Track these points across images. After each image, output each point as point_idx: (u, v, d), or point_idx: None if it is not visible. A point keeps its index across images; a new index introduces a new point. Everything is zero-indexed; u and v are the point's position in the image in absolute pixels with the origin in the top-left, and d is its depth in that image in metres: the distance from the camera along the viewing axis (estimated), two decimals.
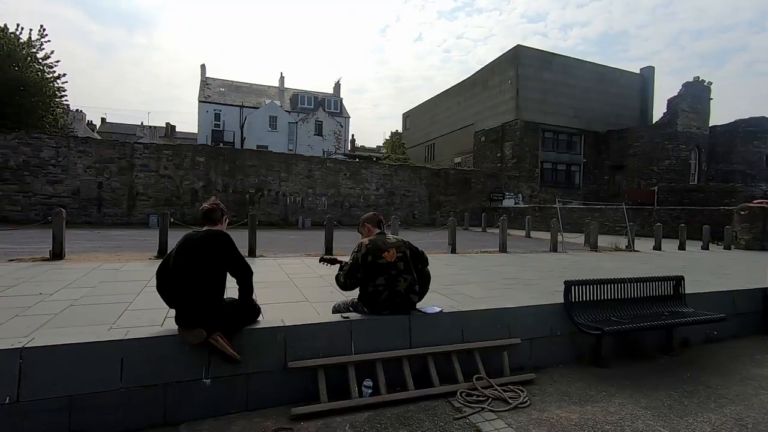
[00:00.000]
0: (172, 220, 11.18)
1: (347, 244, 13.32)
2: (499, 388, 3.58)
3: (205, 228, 3.15)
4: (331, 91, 46.70)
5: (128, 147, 22.89)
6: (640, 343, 4.74)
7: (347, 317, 3.63)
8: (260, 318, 3.46)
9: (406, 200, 28.94)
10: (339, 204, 27.05)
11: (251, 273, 3.19)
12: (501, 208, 29.07)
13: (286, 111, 40.90)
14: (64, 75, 25.36)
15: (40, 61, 24.30)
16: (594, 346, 4.36)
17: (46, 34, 24.47)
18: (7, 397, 2.60)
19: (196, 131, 40.52)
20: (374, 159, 33.49)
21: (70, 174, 21.40)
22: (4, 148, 20.31)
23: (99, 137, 37.22)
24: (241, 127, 39.22)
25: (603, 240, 16.24)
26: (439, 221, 27.23)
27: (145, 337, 2.96)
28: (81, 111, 37.78)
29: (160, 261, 3.47)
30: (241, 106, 39.82)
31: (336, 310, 3.92)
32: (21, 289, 5.50)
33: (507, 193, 30.99)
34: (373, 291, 3.68)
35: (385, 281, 3.67)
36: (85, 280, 6.32)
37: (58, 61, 24.76)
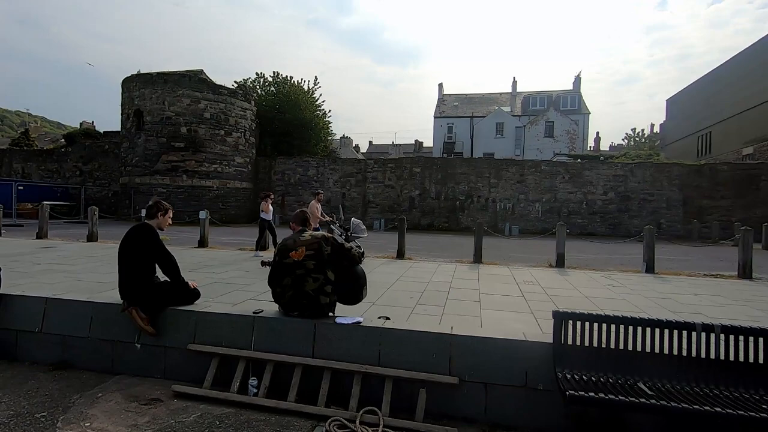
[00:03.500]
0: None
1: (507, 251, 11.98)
2: (382, 430, 2.82)
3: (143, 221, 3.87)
4: (570, 87, 42.39)
5: (362, 163, 27.49)
6: None
7: (258, 312, 3.63)
8: (198, 301, 3.91)
9: (647, 206, 23.32)
10: (555, 210, 24.36)
11: (172, 261, 3.70)
12: None
13: (515, 116, 39.67)
14: (329, 111, 32.84)
15: (315, 103, 32.22)
16: (609, 420, 2.74)
17: (318, 83, 32.35)
18: (36, 327, 3.99)
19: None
20: (601, 158, 28.37)
21: (325, 186, 27.40)
22: (288, 170, 27.95)
23: (362, 157, 45.96)
24: (471, 137, 40.55)
25: None
26: (699, 232, 20.71)
27: (104, 302, 3.91)
28: (349, 137, 47.95)
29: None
30: (471, 117, 41.15)
31: None
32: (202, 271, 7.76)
33: None
34: (280, 291, 3.54)
35: (291, 281, 3.48)
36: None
37: (324, 101, 32.26)
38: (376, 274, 8.03)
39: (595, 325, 2.89)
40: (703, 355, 2.72)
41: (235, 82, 30.64)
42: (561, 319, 2.93)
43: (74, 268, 7.35)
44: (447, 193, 25.79)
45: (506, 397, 3.04)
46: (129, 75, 25.27)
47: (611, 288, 7.50)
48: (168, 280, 3.80)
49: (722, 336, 2.70)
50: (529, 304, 5.97)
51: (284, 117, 29.56)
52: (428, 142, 51.94)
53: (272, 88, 31.72)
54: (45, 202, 14.43)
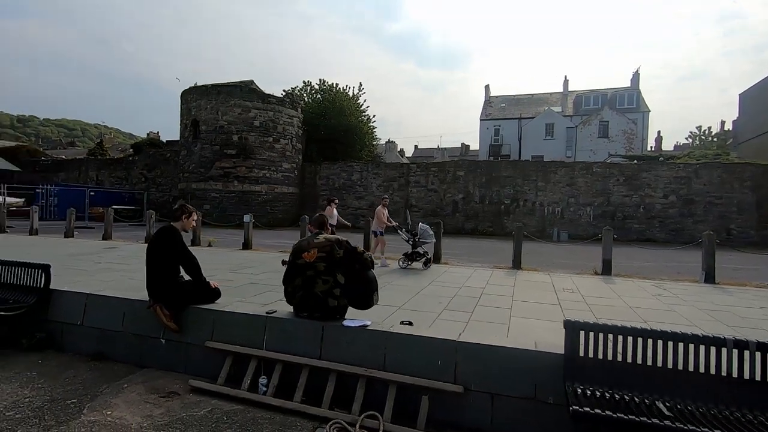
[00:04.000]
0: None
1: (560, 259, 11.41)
2: None
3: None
4: (627, 84, 40.00)
5: (405, 167, 27.50)
6: None
7: (272, 312, 3.72)
8: (219, 300, 4.08)
9: (713, 210, 21.42)
10: (609, 214, 23.00)
11: (193, 262, 3.89)
12: None
13: (567, 116, 38.00)
14: (374, 116, 33.23)
15: (360, 108, 32.72)
16: None
17: (363, 89, 32.86)
18: (78, 321, 4.34)
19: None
20: (661, 158, 26.36)
21: (368, 191, 27.68)
22: (332, 175, 28.53)
23: (406, 161, 45.99)
24: (519, 139, 39.38)
25: None
26: None
27: (136, 299, 4.17)
28: (393, 142, 48.17)
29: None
30: (519, 118, 39.94)
31: None
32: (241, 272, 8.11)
33: None
34: (291, 291, 3.61)
35: (302, 282, 3.54)
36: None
37: (368, 107, 32.71)
38: (408, 278, 7.97)
39: (610, 336, 2.68)
40: (734, 375, 2.43)
41: (284, 90, 31.84)
42: (573, 328, 2.75)
43: (130, 267, 7.91)
44: (491, 196, 25.14)
45: (514, 408, 2.89)
46: (187, 87, 26.96)
47: (661, 298, 6.96)
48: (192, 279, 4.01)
49: (758, 354, 2.41)
50: (564, 313, 5.69)
51: (329, 123, 30.27)
52: (475, 145, 51.01)
53: (318, 96, 32.61)
54: (110, 207, 15.74)
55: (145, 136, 52.49)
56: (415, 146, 63.07)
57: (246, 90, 25.55)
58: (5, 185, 27.21)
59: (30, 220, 15.34)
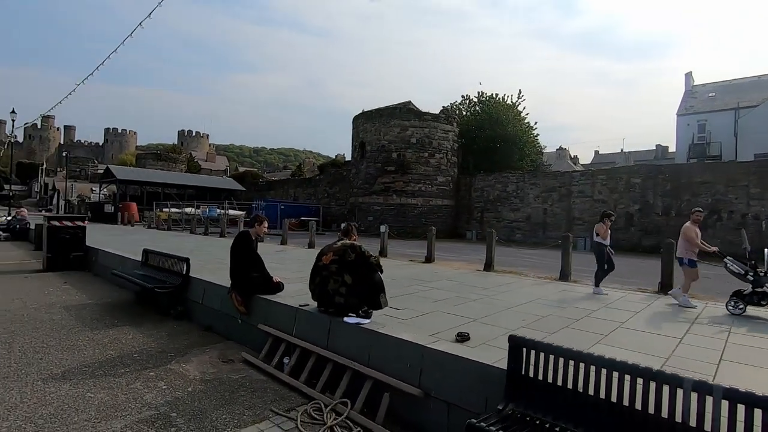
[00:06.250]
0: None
1: None
2: (341, 420, 3.11)
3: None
4: None
5: (567, 176, 25.15)
6: None
7: (303, 306, 4.37)
8: (280, 293, 4.98)
9: None
10: None
11: (259, 261, 4.89)
12: None
13: None
14: (536, 123, 31.46)
15: (518, 117, 31.48)
16: None
17: (523, 96, 31.53)
18: (200, 300, 5.86)
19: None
20: None
21: (524, 202, 26.32)
22: (486, 186, 28.17)
23: (580, 168, 41.61)
24: (735, 135, 31.33)
25: None
26: None
27: (225, 285, 5.39)
28: (565, 148, 44.08)
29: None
30: (736, 108, 31.70)
31: None
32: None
33: None
34: (312, 289, 4.20)
35: (319, 281, 4.10)
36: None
37: (528, 113, 31.20)
38: (510, 294, 7.60)
39: (551, 359, 2.38)
40: (693, 424, 1.89)
41: (443, 106, 33.03)
42: (517, 345, 2.54)
43: (282, 266, 9.55)
44: (679, 207, 20.76)
45: (465, 420, 2.80)
46: (356, 114, 30.76)
47: None
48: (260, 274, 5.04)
49: (725, 402, 1.82)
50: (678, 350, 4.75)
51: (486, 134, 30.05)
52: (674, 146, 42.74)
53: (476, 108, 32.71)
54: (286, 219, 19.33)
55: (334, 157, 61.37)
56: (595, 152, 56.16)
57: (404, 110, 27.64)
58: (234, 201, 35.91)
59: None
